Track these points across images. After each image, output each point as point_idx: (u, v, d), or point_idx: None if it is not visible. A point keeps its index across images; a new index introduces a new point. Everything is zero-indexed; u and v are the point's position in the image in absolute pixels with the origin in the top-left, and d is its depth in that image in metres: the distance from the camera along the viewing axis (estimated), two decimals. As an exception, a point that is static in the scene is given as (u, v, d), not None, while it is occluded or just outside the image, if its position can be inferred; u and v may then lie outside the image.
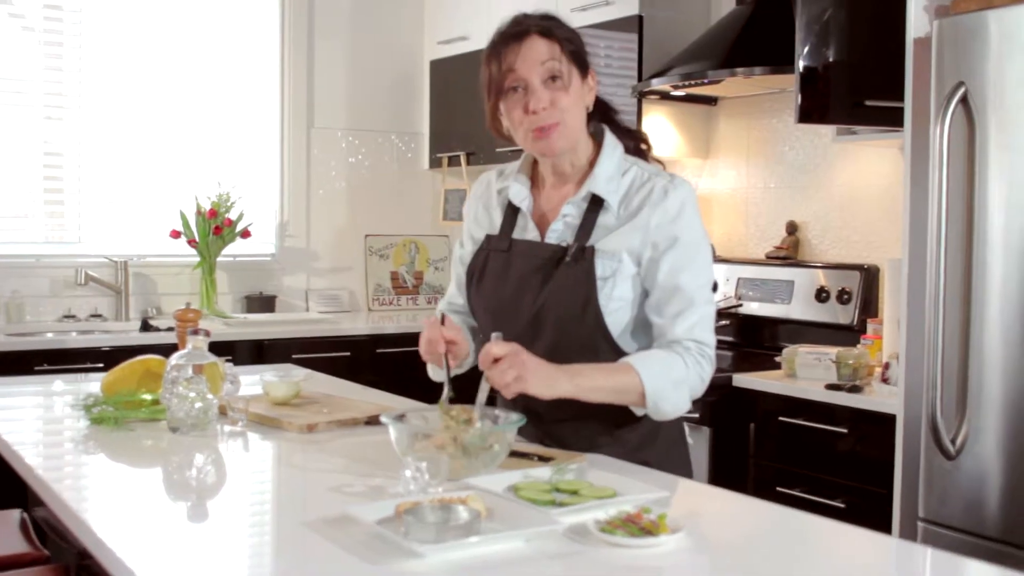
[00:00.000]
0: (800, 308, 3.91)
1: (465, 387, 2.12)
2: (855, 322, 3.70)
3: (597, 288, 2.05)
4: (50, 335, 4.44)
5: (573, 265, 2.07)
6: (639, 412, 2.07)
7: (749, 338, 4.09)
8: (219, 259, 5.00)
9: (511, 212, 2.23)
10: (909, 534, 2.74)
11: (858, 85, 3.23)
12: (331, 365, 4.47)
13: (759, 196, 4.28)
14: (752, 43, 3.83)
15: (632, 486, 1.78)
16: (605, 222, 2.10)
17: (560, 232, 2.13)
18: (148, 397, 2.42)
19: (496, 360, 1.91)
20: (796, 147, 4.12)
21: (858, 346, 3.47)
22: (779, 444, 3.28)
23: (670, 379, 2.00)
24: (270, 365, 3.63)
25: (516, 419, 1.96)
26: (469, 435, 1.89)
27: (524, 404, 2.15)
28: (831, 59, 3.23)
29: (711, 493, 2.00)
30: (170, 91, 5.00)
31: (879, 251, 3.78)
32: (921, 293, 2.74)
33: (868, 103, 3.15)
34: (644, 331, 2.12)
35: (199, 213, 4.88)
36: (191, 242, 4.87)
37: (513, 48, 2.03)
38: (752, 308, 4.06)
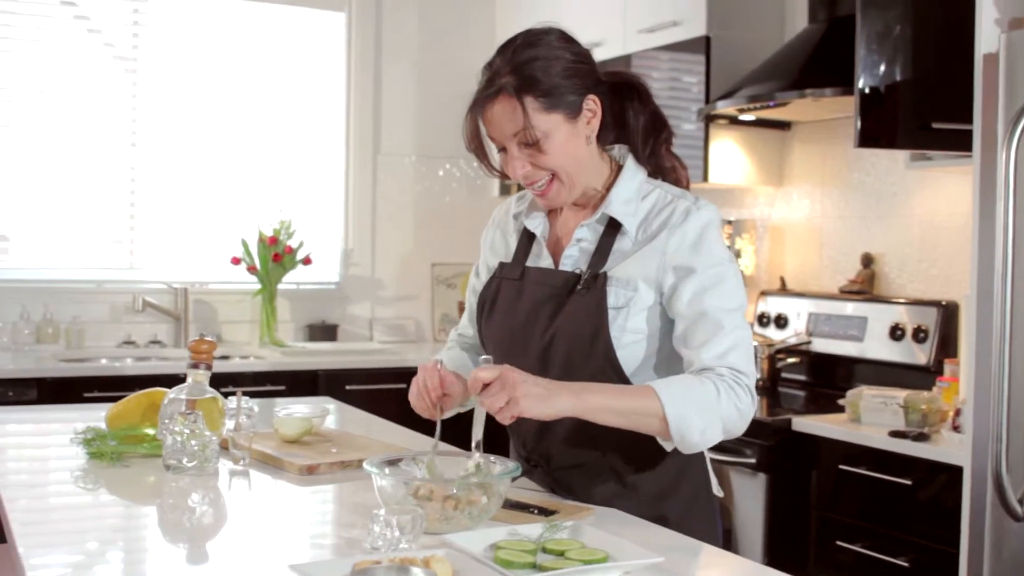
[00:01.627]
0: (874, 346, 3.65)
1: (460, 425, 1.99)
2: (931, 363, 3.43)
3: (608, 318, 1.87)
4: (104, 361, 4.40)
5: (585, 294, 1.90)
6: (667, 446, 1.86)
7: (820, 377, 3.84)
8: (282, 287, 4.93)
9: (526, 238, 2.08)
10: (976, 600, 2.49)
11: (924, 106, 2.99)
12: (387, 397, 4.37)
13: (833, 226, 4.04)
14: (825, 64, 3.61)
15: (628, 549, 1.59)
16: (621, 247, 1.93)
17: (575, 259, 1.97)
18: (151, 432, 2.32)
19: (486, 386, 1.74)
20: (872, 174, 3.87)
21: (933, 389, 3.21)
22: (840, 494, 3.04)
23: (696, 404, 1.78)
24: (310, 399, 3.52)
25: (510, 469, 1.79)
26: (456, 486, 1.73)
27: (533, 445, 2.01)
28: (896, 79, 3.00)
29: (716, 560, 1.78)
30: (233, 116, 4.97)
31: (959, 286, 3.52)
32: (989, 333, 2.49)
33: (936, 126, 2.91)
34: (668, 370, 1.93)
35: (260, 240, 4.83)
36: (251, 269, 4.82)
37: (483, 112, 1.87)
38: (823, 345, 3.81)
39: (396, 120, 5.32)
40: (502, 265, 2.10)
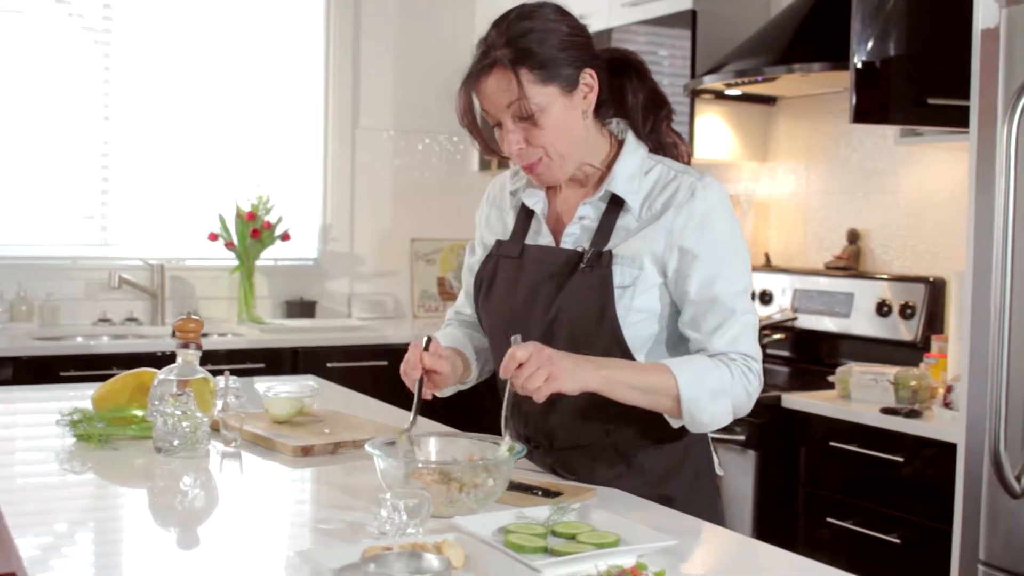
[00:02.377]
0: (860, 323, 3.65)
1: (469, 408, 1.95)
2: (919, 339, 3.43)
3: (615, 297, 1.84)
4: (80, 339, 4.33)
5: (589, 272, 1.86)
6: (675, 424, 1.86)
7: (805, 354, 3.84)
8: (259, 263, 4.87)
9: (524, 215, 2.03)
10: (970, 577, 2.49)
11: (920, 82, 2.97)
12: (368, 374, 4.34)
13: (819, 202, 4.03)
14: (813, 38, 3.58)
15: (639, 532, 1.57)
16: (625, 224, 1.89)
17: (576, 236, 1.93)
18: (139, 413, 2.26)
19: (520, 365, 1.71)
20: (859, 150, 3.86)
21: (920, 366, 3.21)
22: (831, 471, 3.04)
23: (709, 386, 1.80)
24: (292, 377, 3.47)
25: (516, 451, 1.76)
26: (461, 469, 1.69)
27: (536, 425, 1.97)
28: (891, 54, 2.97)
29: (729, 541, 1.76)
30: (210, 90, 4.88)
31: (947, 262, 3.51)
32: (986, 309, 2.48)
33: (931, 101, 2.89)
34: (673, 349, 1.92)
35: (238, 216, 4.76)
36: (229, 245, 4.75)
37: (478, 85, 1.83)
38: (809, 322, 3.80)
39: (375, 93, 5.24)
40: (499, 243, 2.05)
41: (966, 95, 2.59)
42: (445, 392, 2.01)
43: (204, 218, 4.80)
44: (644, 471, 1.93)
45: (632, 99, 1.98)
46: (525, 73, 1.79)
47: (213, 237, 4.75)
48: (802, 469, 3.12)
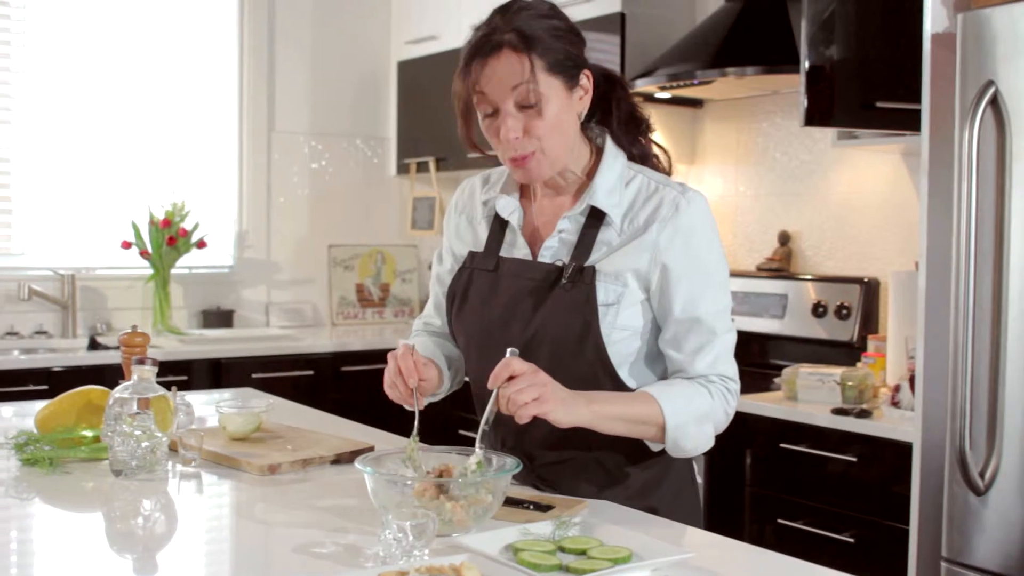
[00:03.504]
0: (795, 324, 3.68)
1: (431, 417, 1.89)
2: (855, 339, 3.47)
3: (599, 315, 1.80)
4: (-12, 354, 4.12)
5: (570, 288, 1.81)
6: (655, 448, 1.85)
7: (739, 356, 3.83)
8: (174, 272, 4.70)
9: (498, 226, 1.97)
10: (930, 575, 2.51)
11: (867, 85, 3.00)
12: (293, 385, 4.24)
13: (748, 204, 4.06)
14: (743, 42, 3.60)
15: (651, 546, 1.53)
16: (607, 239, 1.84)
17: (555, 250, 1.88)
18: (89, 434, 2.14)
19: (511, 378, 1.66)
20: (789, 152, 3.90)
21: (858, 365, 3.25)
22: (779, 472, 3.05)
23: (693, 413, 1.79)
24: (228, 390, 3.35)
25: (512, 465, 1.71)
26: (459, 484, 1.63)
27: (514, 444, 1.92)
28: (837, 57, 3.00)
29: (745, 553, 1.72)
30: (121, 94, 4.69)
31: (878, 263, 3.57)
32: (941, 310, 2.51)
33: (880, 105, 2.92)
34: (653, 363, 1.89)
35: (152, 223, 4.59)
36: (143, 253, 4.57)
37: (482, 67, 1.76)
38: (743, 324, 3.82)
39: (290, 96, 5.12)
40: (472, 255, 1.98)
41: (913, 98, 2.62)
42: (421, 403, 1.94)
43: (116, 225, 4.61)
44: (627, 484, 1.90)
45: (616, 110, 1.94)
46: (536, 59, 1.75)
47: (126, 245, 4.57)
48: (748, 471, 3.13)
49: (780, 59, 3.45)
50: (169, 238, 4.56)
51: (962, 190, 2.30)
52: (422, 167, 5.14)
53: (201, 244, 4.69)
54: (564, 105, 1.80)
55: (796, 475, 3.00)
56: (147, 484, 1.98)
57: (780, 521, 3.01)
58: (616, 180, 1.86)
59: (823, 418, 2.91)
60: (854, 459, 2.84)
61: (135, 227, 4.58)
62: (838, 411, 2.89)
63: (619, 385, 1.83)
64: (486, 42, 1.76)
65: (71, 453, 2.10)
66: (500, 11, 1.80)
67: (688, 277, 1.80)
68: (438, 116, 4.97)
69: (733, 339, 1.87)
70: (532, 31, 1.76)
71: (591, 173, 1.88)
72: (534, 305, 1.84)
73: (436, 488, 1.63)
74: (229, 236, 5.00)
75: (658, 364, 1.89)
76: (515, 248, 1.93)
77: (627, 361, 1.85)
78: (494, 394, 1.69)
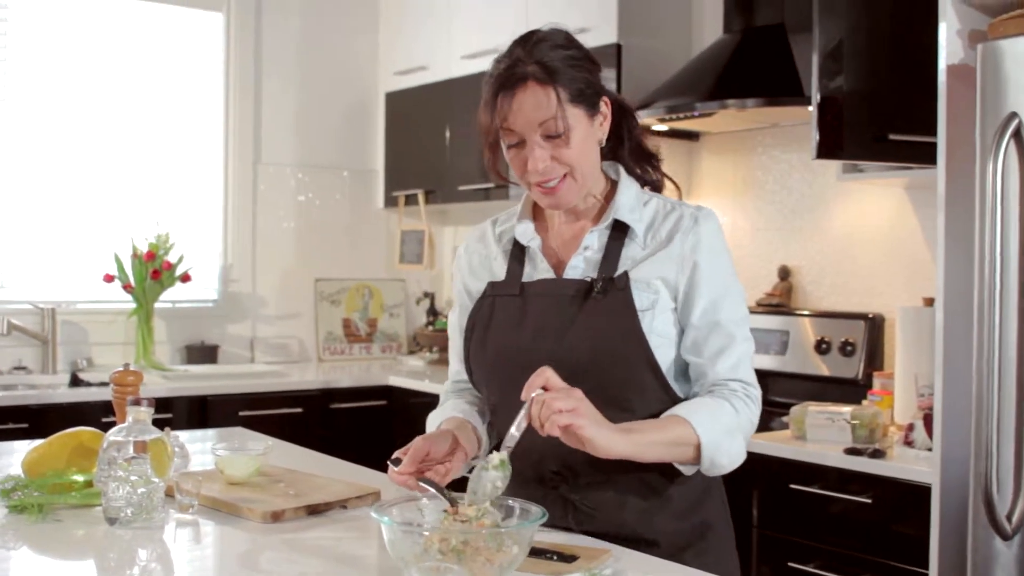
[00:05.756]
0: (797, 361, 3.61)
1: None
2: (860, 376, 3.40)
3: (639, 318, 1.79)
4: (-34, 391, 3.99)
5: (603, 298, 1.81)
6: (688, 471, 1.81)
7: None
8: (157, 306, 4.59)
9: (518, 254, 1.95)
10: (952, 622, 2.43)
11: (879, 117, 2.95)
12: (281, 423, 4.13)
13: (747, 239, 3.99)
14: (743, 74, 3.55)
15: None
16: (632, 253, 1.86)
17: (581, 269, 1.88)
18: (80, 478, 2.03)
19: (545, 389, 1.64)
20: (788, 186, 3.84)
21: (865, 403, 3.17)
22: (789, 514, 2.96)
23: (723, 428, 1.77)
24: (215, 429, 3.24)
25: (537, 515, 1.61)
26: (483, 537, 1.53)
27: (559, 461, 1.83)
28: (848, 88, 2.95)
29: None
30: (104, 124, 4.59)
31: (883, 298, 3.51)
32: (960, 348, 2.45)
33: (894, 137, 2.87)
34: (683, 377, 1.88)
35: (135, 256, 4.48)
36: (127, 287, 4.46)
37: (507, 100, 1.77)
38: (743, 359, 3.74)
39: (276, 128, 5.04)
40: (493, 284, 1.95)
41: (928, 131, 2.57)
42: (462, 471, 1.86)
43: (98, 258, 4.50)
44: (673, 502, 1.86)
45: (628, 140, 1.97)
46: (560, 89, 1.77)
47: (109, 279, 4.46)
48: (756, 512, 3.04)
49: (781, 91, 3.40)
50: (153, 271, 4.45)
51: (985, 224, 2.24)
52: (410, 200, 5.06)
53: (186, 277, 4.58)
54: (588, 132, 1.82)
55: (807, 517, 2.91)
56: (142, 532, 1.87)
57: (791, 565, 2.91)
58: (635, 200, 1.89)
59: (835, 458, 2.82)
60: (868, 500, 2.75)
61: (118, 260, 4.47)
62: (851, 451, 2.81)
63: (666, 388, 1.82)
64: (511, 75, 1.78)
65: (61, 499, 1.99)
66: (520, 43, 1.82)
67: (709, 282, 1.81)
68: (427, 148, 4.91)
69: (752, 348, 1.86)
70: (554, 63, 1.77)
71: (608, 197, 1.91)
72: (567, 319, 1.82)
73: (465, 542, 1.53)
74: (214, 269, 4.90)
75: (684, 380, 1.88)
76: (537, 273, 1.92)
77: (668, 370, 1.83)
78: (526, 405, 1.64)
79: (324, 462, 2.57)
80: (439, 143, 4.83)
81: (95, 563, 1.78)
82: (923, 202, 3.40)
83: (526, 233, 1.93)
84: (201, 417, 4.09)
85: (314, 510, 1.99)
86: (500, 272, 1.96)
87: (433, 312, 5.26)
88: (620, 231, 1.87)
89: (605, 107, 1.85)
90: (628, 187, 1.90)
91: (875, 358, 3.43)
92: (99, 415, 3.67)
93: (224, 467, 2.16)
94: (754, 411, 1.83)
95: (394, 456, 1.78)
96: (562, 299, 1.84)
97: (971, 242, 2.38)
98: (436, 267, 5.34)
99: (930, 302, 3.16)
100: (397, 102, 5.14)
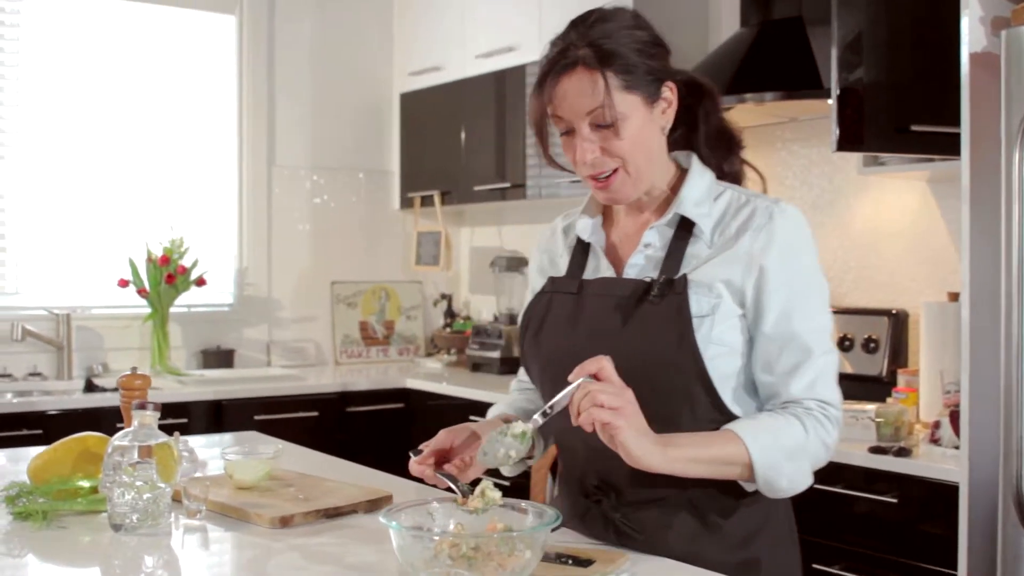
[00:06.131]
0: (819, 357, 3.53)
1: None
2: (884, 373, 3.33)
3: (693, 327, 1.64)
4: (-20, 398, 3.97)
5: (660, 301, 1.67)
6: (749, 487, 1.67)
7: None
8: (172, 310, 4.56)
9: (580, 251, 1.85)
10: (982, 624, 2.37)
11: (901, 108, 2.88)
12: (297, 427, 4.09)
13: (766, 235, 3.92)
14: (761, 67, 3.49)
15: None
16: (696, 252, 1.71)
17: (641, 267, 1.75)
18: (86, 484, 1.99)
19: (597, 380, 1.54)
20: (808, 181, 3.77)
21: (889, 400, 3.11)
22: (813, 514, 2.88)
23: (783, 447, 1.61)
24: (230, 433, 3.20)
25: (551, 517, 1.56)
26: (494, 542, 1.48)
27: (601, 475, 1.73)
28: (868, 80, 2.88)
29: None
30: (117, 129, 4.57)
31: (907, 294, 3.44)
32: (987, 343, 2.38)
33: (915, 128, 2.80)
34: (752, 394, 1.72)
35: (150, 260, 4.45)
36: (141, 292, 4.43)
37: (555, 85, 1.66)
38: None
39: (290, 130, 5.00)
40: (553, 280, 1.85)
41: (952, 121, 2.50)
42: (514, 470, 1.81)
43: (113, 263, 4.47)
44: (724, 531, 1.71)
45: (704, 124, 1.81)
46: (611, 76, 1.63)
47: (123, 283, 4.43)
48: (779, 513, 2.97)
49: (800, 84, 3.33)
50: (168, 275, 4.42)
51: (1012, 216, 2.17)
52: (426, 201, 5.01)
53: (201, 281, 4.55)
54: (644, 121, 1.68)
55: (831, 518, 2.84)
56: (148, 539, 1.83)
57: (815, 566, 2.85)
58: (704, 193, 1.73)
59: (860, 457, 2.76)
60: (894, 500, 2.69)
61: (132, 264, 4.44)
62: (875, 449, 2.75)
63: (718, 405, 1.67)
64: (560, 59, 1.66)
65: (67, 506, 1.95)
66: (576, 24, 1.69)
67: (782, 288, 1.65)
68: (442, 149, 4.86)
69: (834, 361, 1.69)
70: (609, 45, 1.64)
71: (676, 188, 1.76)
72: (621, 322, 1.70)
73: (476, 548, 1.48)
74: (229, 273, 4.87)
75: (757, 396, 1.73)
76: (599, 270, 1.80)
77: (727, 383, 1.68)
78: (571, 387, 1.55)
79: (337, 466, 2.53)
80: (454, 143, 4.78)
81: (100, 570, 1.75)
82: (946, 194, 3.33)
83: (587, 228, 1.82)
84: (217, 422, 4.06)
85: (324, 515, 1.95)
86: (564, 269, 1.86)
87: (451, 314, 5.21)
88: (686, 227, 1.72)
89: (670, 93, 1.70)
90: (698, 178, 1.74)
91: (899, 355, 3.36)
92: (114, 420, 3.59)
93: (233, 472, 2.11)
94: (831, 433, 1.66)
95: (419, 447, 1.72)
96: (619, 300, 1.71)
97: (997, 234, 2.32)
98: (453, 268, 5.30)
99: (955, 297, 3.10)
100: (412, 103, 5.09)
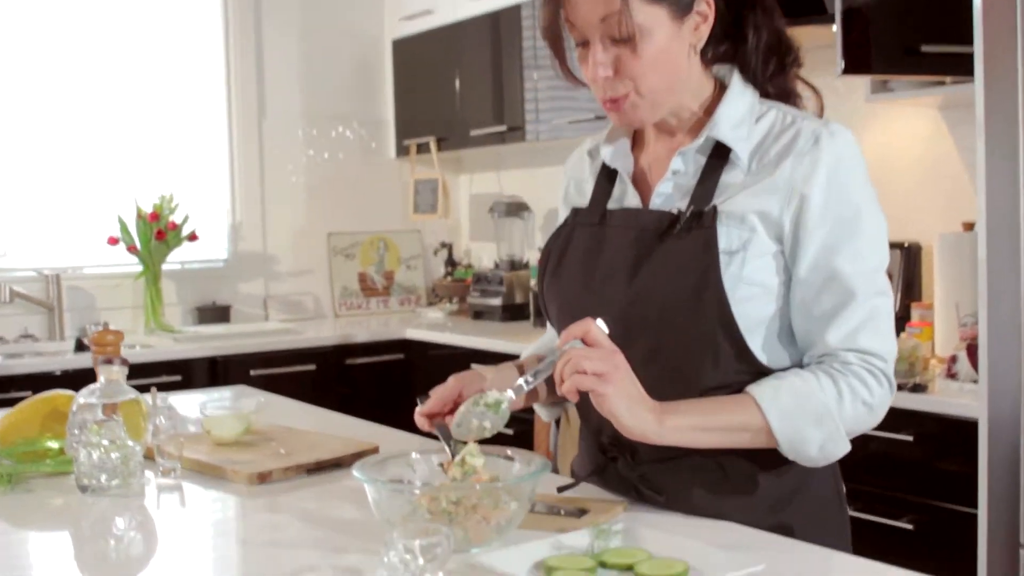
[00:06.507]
0: (829, 294, 3.41)
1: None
2: (897, 308, 3.20)
3: (720, 265, 1.45)
4: (-31, 361, 3.88)
5: (685, 235, 1.48)
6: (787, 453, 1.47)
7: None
8: (165, 267, 4.45)
9: (605, 178, 1.66)
10: (1005, 562, 2.26)
11: (909, 28, 2.72)
12: (295, 381, 4.00)
13: (772, 170, 3.78)
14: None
15: (711, 557, 1.27)
16: (731, 180, 1.51)
17: (668, 196, 1.56)
18: (55, 445, 1.89)
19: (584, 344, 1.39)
20: (812, 110, 3.62)
21: (903, 335, 2.98)
22: (825, 456, 2.78)
23: (809, 411, 1.42)
24: (217, 390, 3.10)
25: (540, 465, 1.45)
26: (477, 494, 1.37)
27: (612, 434, 1.54)
28: (869, 1, 2.72)
29: (832, 563, 1.41)
30: (102, 84, 4.42)
31: (919, 226, 3.30)
32: (1005, 273, 2.26)
33: (925, 48, 2.65)
34: (788, 345, 1.53)
35: (139, 217, 4.33)
36: (131, 249, 4.32)
37: None
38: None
39: (280, 80, 4.85)
40: (576, 211, 1.68)
41: (964, 40, 2.36)
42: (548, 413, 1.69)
43: (102, 221, 4.36)
44: (755, 494, 1.52)
45: (753, 38, 1.57)
46: None
47: (113, 241, 4.32)
48: (790, 456, 2.87)
49: (802, 10, 3.17)
50: (158, 232, 4.30)
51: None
52: (423, 148, 4.88)
53: (192, 237, 4.44)
54: (670, 38, 1.47)
55: (845, 458, 2.72)
56: (120, 499, 1.74)
57: (828, 509, 2.75)
58: (744, 114, 1.52)
59: (874, 395, 2.64)
60: (909, 438, 2.57)
61: (121, 222, 4.33)
62: (889, 387, 2.63)
63: (745, 355, 1.47)
64: None
65: (33, 468, 1.86)
66: None
67: (826, 221, 1.45)
68: (437, 94, 4.72)
69: (883, 306, 1.47)
70: None
71: (712, 109, 1.55)
72: (640, 257, 1.51)
73: (458, 501, 1.37)
74: (222, 228, 4.75)
75: (788, 341, 1.53)
76: (625, 199, 1.62)
77: (757, 330, 1.48)
78: (556, 354, 1.41)
79: (327, 419, 2.43)
80: (449, 88, 4.64)
81: (70, 533, 1.65)
82: (959, 120, 3.18)
83: (610, 153, 1.63)
84: (213, 379, 3.96)
85: (305, 470, 1.84)
86: (590, 195, 1.68)
87: (451, 262, 5.10)
88: (721, 152, 1.52)
89: (706, 6, 1.48)
90: (738, 97, 1.53)
91: (912, 288, 3.23)
92: (105, 381, 3.55)
93: (211, 427, 2.01)
94: (873, 390, 1.45)
95: (427, 393, 1.56)
96: (641, 234, 1.53)
97: (1015, 160, 2.20)
98: (452, 216, 5.17)
99: (970, 227, 2.97)
100: (405, 49, 4.94)
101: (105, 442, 1.72)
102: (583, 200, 1.69)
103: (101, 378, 1.81)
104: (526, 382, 1.46)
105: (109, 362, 1.81)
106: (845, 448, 1.47)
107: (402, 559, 1.20)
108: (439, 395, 1.54)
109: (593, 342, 1.39)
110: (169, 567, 1.46)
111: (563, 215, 1.73)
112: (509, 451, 1.51)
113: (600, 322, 1.41)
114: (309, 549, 1.43)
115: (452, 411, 1.52)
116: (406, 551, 1.20)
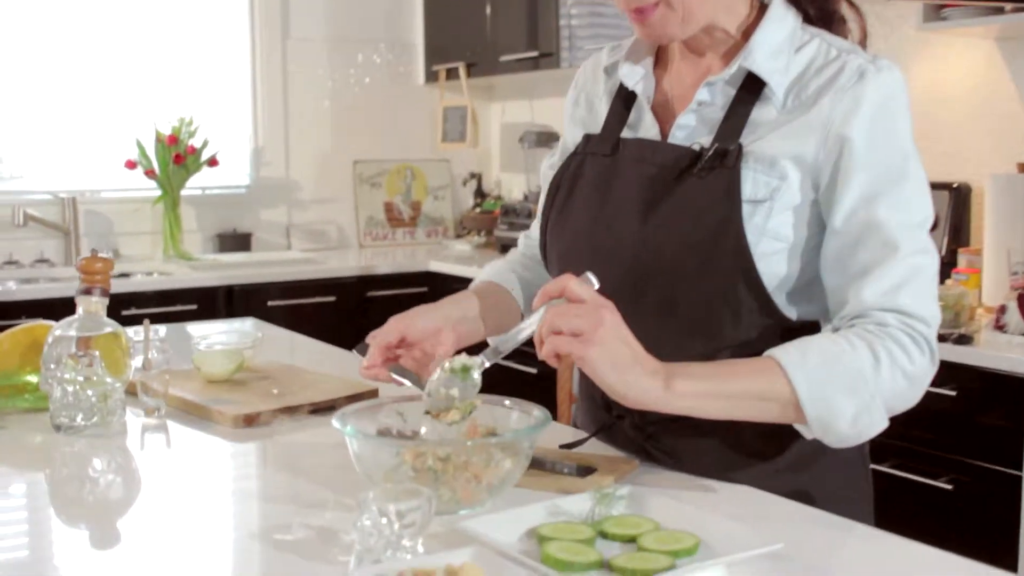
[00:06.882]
0: (871, 236, 3.24)
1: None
2: (943, 253, 3.03)
3: (743, 213, 1.31)
4: (-21, 285, 3.80)
5: (706, 175, 1.33)
6: (807, 433, 1.29)
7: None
8: (185, 193, 4.34)
9: (622, 101, 1.50)
10: (1049, 530, 2.12)
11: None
12: (314, 313, 3.90)
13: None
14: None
15: (727, 530, 1.13)
16: (763, 117, 1.36)
17: (691, 130, 1.41)
18: (34, 379, 1.78)
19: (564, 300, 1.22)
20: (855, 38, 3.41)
21: (949, 282, 2.81)
22: (860, 407, 2.64)
23: (841, 378, 1.25)
24: (228, 321, 2.99)
25: (541, 419, 1.31)
26: (467, 450, 1.24)
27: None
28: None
29: (862, 541, 1.26)
30: (121, 2, 4.27)
31: (969, 165, 3.11)
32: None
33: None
34: (817, 299, 1.38)
35: (158, 140, 4.21)
36: (148, 173, 4.21)
37: None
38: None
39: (307, 0, 4.68)
40: (587, 138, 1.52)
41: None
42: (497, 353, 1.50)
43: (120, 144, 4.23)
44: (771, 458, 1.40)
45: None
46: None
47: (131, 165, 4.20)
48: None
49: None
50: (176, 155, 4.18)
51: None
52: (452, 74, 4.70)
53: (213, 162, 4.31)
54: None
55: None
56: (99, 440, 1.62)
57: (861, 464, 2.60)
58: (784, 41, 1.37)
59: (915, 345, 2.48)
60: (952, 392, 2.41)
61: (140, 145, 4.21)
62: (932, 337, 2.47)
63: (768, 308, 1.33)
64: None
65: (10, 403, 1.74)
66: None
67: (868, 166, 1.29)
68: (468, 18, 4.54)
69: (928, 265, 1.30)
70: None
71: (749, 32, 1.39)
72: (654, 198, 1.37)
73: (439, 455, 1.23)
74: (244, 154, 4.61)
75: (818, 301, 1.39)
76: (641, 128, 1.46)
77: (782, 287, 1.35)
78: (536, 315, 1.24)
79: (333, 356, 2.30)
80: (480, 12, 4.45)
81: (45, 475, 1.54)
82: (1017, 53, 2.97)
83: (633, 75, 1.46)
84: (228, 308, 3.86)
85: (294, 411, 1.71)
86: (603, 116, 1.52)
87: (480, 194, 4.94)
88: (755, 85, 1.36)
89: None
90: (779, 21, 1.38)
91: (960, 232, 3.05)
92: (119, 309, 3.45)
93: (200, 364, 1.88)
94: (914, 357, 1.27)
95: (364, 342, 1.41)
96: (658, 170, 1.38)
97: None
98: (481, 145, 5.00)
99: (1025, 167, 2.78)
100: (435, -33, 4.76)
101: (80, 378, 1.60)
102: (593, 120, 1.53)
103: (79, 309, 1.69)
104: (502, 342, 1.28)
105: (88, 292, 1.69)
106: (882, 423, 1.29)
107: (376, 523, 1.07)
108: (379, 342, 1.40)
109: (574, 297, 1.21)
110: (130, 517, 1.33)
111: (569, 133, 1.57)
112: (507, 400, 1.37)
113: (590, 275, 1.24)
114: (284, 504, 1.31)
115: (396, 359, 1.40)
116: (381, 515, 1.07)
